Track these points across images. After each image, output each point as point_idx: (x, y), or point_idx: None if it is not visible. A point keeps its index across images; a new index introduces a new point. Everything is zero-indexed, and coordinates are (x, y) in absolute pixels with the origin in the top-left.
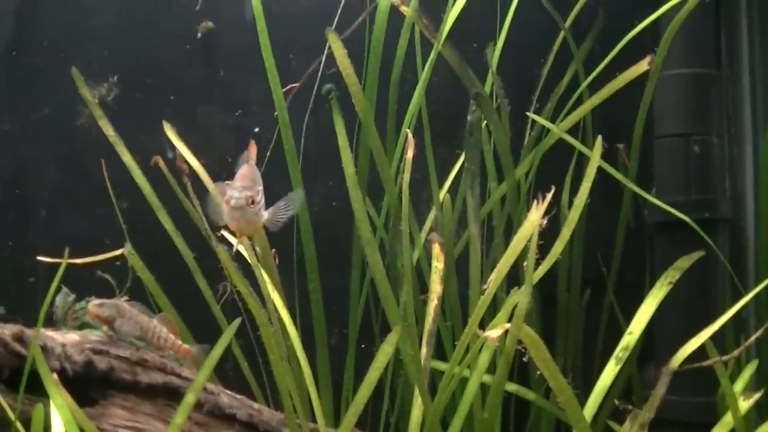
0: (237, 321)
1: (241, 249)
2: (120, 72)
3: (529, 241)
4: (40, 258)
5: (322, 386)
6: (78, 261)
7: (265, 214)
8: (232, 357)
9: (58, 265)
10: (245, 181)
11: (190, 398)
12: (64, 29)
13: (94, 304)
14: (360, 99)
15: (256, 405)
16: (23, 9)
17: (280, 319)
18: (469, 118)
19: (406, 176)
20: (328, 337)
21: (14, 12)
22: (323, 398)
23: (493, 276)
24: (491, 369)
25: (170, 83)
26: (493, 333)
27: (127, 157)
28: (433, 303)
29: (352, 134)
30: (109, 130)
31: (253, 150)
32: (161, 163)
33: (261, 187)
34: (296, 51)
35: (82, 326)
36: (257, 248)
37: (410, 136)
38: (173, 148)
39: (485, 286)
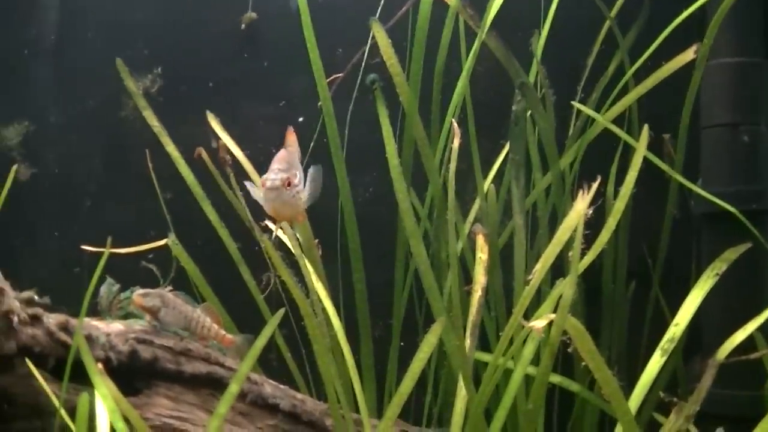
0: (281, 311)
1: (285, 239)
2: (163, 64)
3: (575, 231)
4: (84, 247)
5: (366, 377)
6: (121, 251)
7: (304, 198)
8: (276, 347)
9: (103, 255)
10: (281, 164)
11: (233, 388)
12: (109, 22)
13: (138, 294)
14: (404, 89)
15: (299, 395)
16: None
17: (324, 310)
18: (513, 108)
19: (452, 167)
20: (372, 328)
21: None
22: (366, 389)
23: (538, 266)
24: (535, 360)
25: (213, 75)
26: (538, 324)
27: (171, 148)
28: (477, 294)
29: (396, 125)
30: (153, 121)
31: (291, 136)
32: (204, 155)
33: (300, 172)
34: (340, 42)
35: (127, 316)
36: (300, 238)
37: (456, 126)
38: (217, 137)
39: (530, 277)
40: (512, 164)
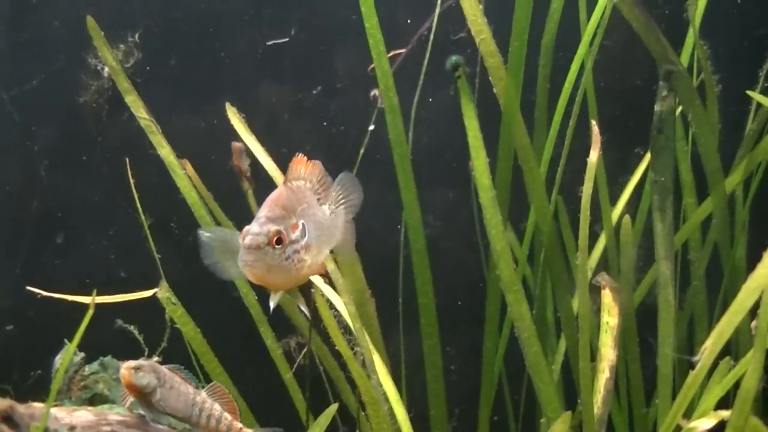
0: (333, 407)
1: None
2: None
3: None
4: (32, 290)
5: None
6: (84, 299)
7: (311, 259)
8: None
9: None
10: (273, 210)
11: None
12: None
13: (128, 366)
14: (500, 76)
15: None
16: None
17: (384, 395)
18: (657, 107)
19: (587, 189)
20: (449, 419)
21: None
22: None
23: (709, 342)
24: None
25: (220, 47)
26: (703, 424)
27: (165, 152)
28: (604, 376)
29: (488, 127)
30: (140, 111)
31: (298, 165)
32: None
33: (305, 222)
34: (408, 6)
35: (93, 399)
36: (343, 288)
37: (596, 127)
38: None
39: (697, 358)
40: (655, 188)
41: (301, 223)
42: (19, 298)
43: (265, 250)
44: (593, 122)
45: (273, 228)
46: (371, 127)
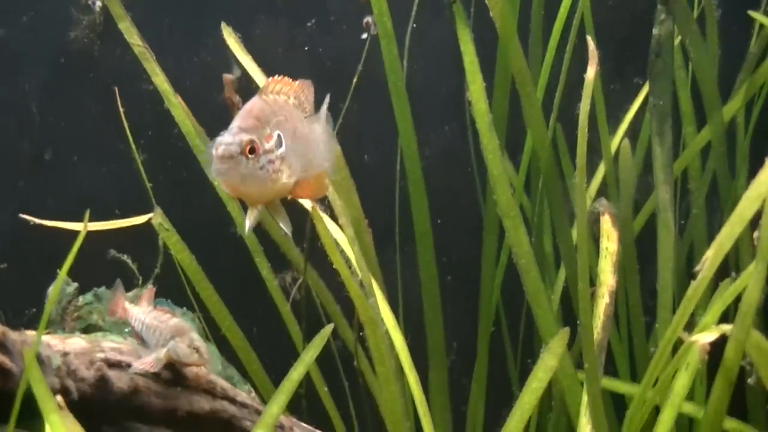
0: (329, 327)
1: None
2: None
3: (764, 203)
4: (25, 217)
5: (438, 418)
6: (77, 226)
7: (289, 170)
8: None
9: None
10: (246, 120)
11: None
12: None
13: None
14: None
15: None
16: None
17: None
18: (655, 31)
19: (584, 106)
20: (447, 349)
21: None
22: None
23: (710, 253)
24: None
25: None
26: (704, 337)
27: (159, 79)
28: (604, 301)
29: (485, 52)
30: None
31: (273, 80)
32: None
33: (281, 133)
34: None
35: (87, 329)
36: (343, 216)
37: (592, 44)
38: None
39: (698, 268)
40: (654, 113)
41: (276, 134)
42: (13, 237)
43: (238, 159)
44: (589, 38)
45: (246, 137)
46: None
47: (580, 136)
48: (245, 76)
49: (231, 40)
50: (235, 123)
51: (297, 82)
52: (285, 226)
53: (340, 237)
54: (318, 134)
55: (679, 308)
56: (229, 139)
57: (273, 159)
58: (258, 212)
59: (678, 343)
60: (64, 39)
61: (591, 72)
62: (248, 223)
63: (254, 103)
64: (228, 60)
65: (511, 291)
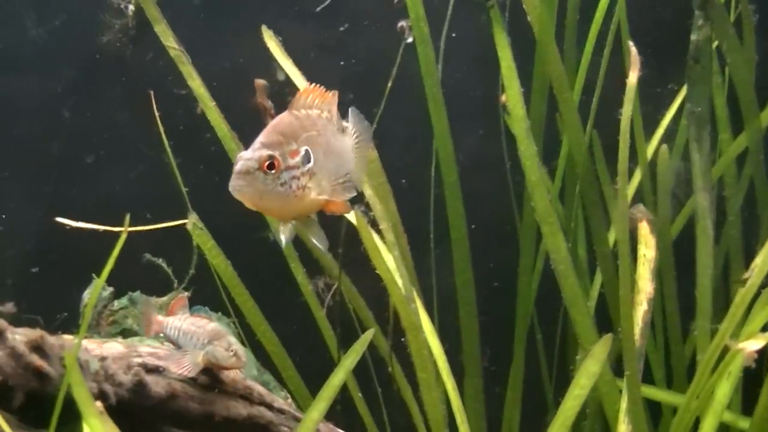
0: (370, 332)
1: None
2: None
3: None
4: (61, 221)
5: (473, 427)
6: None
7: (319, 187)
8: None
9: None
10: (270, 136)
11: None
12: None
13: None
14: (534, 4)
15: None
16: None
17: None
18: (693, 36)
19: (626, 111)
20: (482, 355)
21: None
22: None
23: (759, 260)
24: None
25: None
26: (751, 344)
27: (196, 83)
28: (642, 308)
29: (521, 58)
30: (169, 41)
31: (304, 94)
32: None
33: (309, 149)
34: None
35: (123, 333)
36: (383, 223)
37: (633, 49)
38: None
39: (747, 275)
40: (691, 119)
41: (303, 149)
42: (43, 240)
43: (254, 175)
44: (630, 43)
45: (265, 153)
46: (409, 40)
47: (622, 141)
48: (276, 81)
49: (272, 43)
50: (260, 138)
51: (332, 93)
52: (320, 243)
53: (379, 243)
54: (348, 148)
55: (727, 315)
56: (248, 155)
57: (297, 175)
58: (292, 226)
59: (725, 350)
60: (97, 43)
61: (633, 77)
62: (284, 237)
63: (282, 117)
64: (260, 63)
65: (545, 298)
